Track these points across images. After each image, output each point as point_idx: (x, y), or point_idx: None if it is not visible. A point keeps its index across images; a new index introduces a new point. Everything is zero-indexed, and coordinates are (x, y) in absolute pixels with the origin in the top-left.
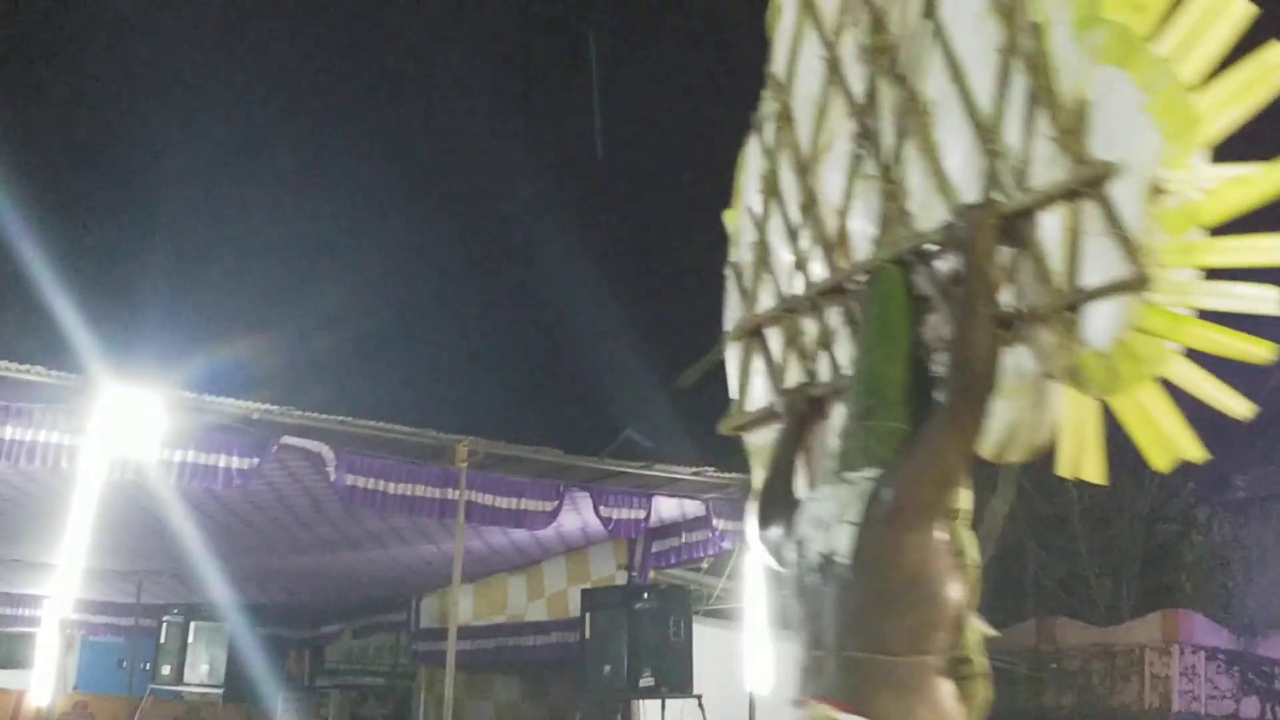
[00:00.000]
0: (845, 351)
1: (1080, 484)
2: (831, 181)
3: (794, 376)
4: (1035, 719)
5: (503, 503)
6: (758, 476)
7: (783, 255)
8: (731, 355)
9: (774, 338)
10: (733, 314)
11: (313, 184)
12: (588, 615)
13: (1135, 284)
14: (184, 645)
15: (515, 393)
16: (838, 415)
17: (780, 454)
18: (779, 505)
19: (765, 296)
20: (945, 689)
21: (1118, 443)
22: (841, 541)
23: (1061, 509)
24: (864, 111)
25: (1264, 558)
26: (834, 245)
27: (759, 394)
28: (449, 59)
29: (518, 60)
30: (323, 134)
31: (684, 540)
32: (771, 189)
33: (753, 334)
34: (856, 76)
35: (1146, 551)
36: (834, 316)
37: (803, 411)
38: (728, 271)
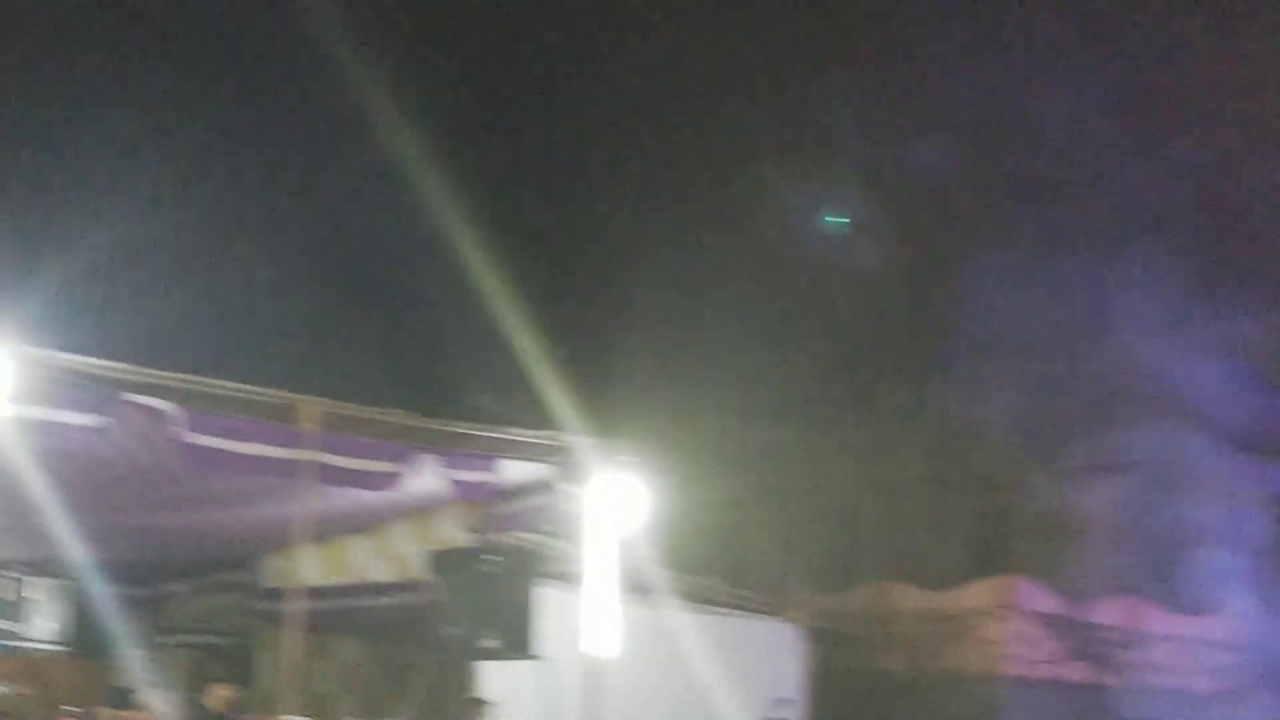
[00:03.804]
0: None
1: (921, 453)
2: None
3: None
4: (870, 682)
5: (350, 464)
6: None
7: None
8: None
9: None
10: None
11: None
12: (433, 577)
13: None
14: (25, 600)
15: (364, 353)
16: None
17: None
18: None
19: None
20: None
21: (953, 416)
22: None
23: (901, 477)
24: None
25: (1094, 525)
26: None
27: None
28: None
29: None
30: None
31: (531, 503)
32: None
33: None
34: None
35: (982, 518)
36: None
37: None
38: None
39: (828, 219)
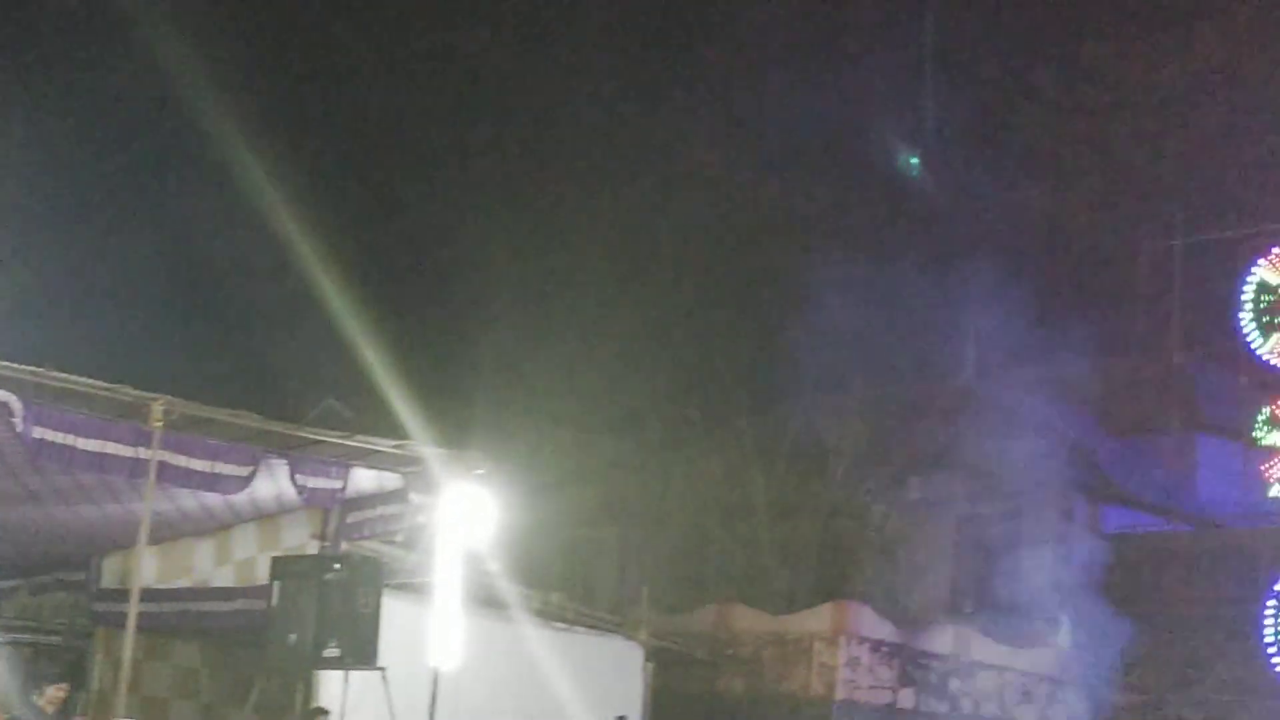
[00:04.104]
0: None
1: (767, 477)
2: None
3: None
4: (709, 704)
5: (196, 465)
6: None
7: None
8: None
9: None
10: None
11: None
12: (276, 583)
13: None
14: None
15: (215, 355)
16: None
17: None
18: None
19: None
20: None
21: (800, 442)
22: None
23: (747, 500)
24: None
25: (930, 557)
26: None
27: None
28: None
29: None
30: None
31: (380, 513)
32: None
33: None
34: None
35: (824, 545)
36: None
37: None
38: None
39: (683, 235)
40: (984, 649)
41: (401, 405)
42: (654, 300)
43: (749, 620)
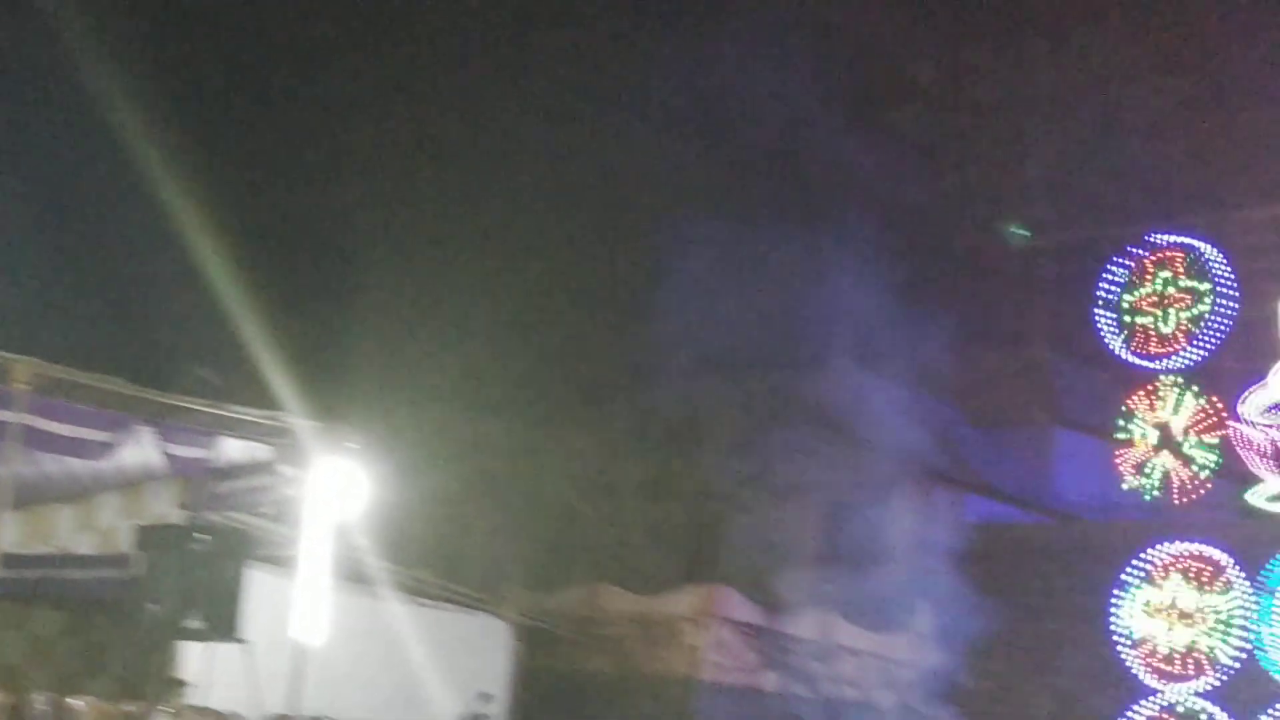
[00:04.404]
0: None
1: (639, 458)
2: None
3: None
4: (575, 682)
5: (61, 430)
6: None
7: None
8: None
9: None
10: None
11: None
12: (140, 553)
13: None
14: None
15: (84, 319)
16: None
17: None
18: None
19: None
20: None
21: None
22: None
23: (619, 481)
24: None
25: (796, 541)
26: None
27: None
28: None
29: None
30: None
31: (248, 484)
32: None
33: None
34: None
35: (693, 528)
36: None
37: None
38: None
39: (562, 214)
40: (846, 633)
41: (275, 377)
42: (532, 279)
43: (617, 600)
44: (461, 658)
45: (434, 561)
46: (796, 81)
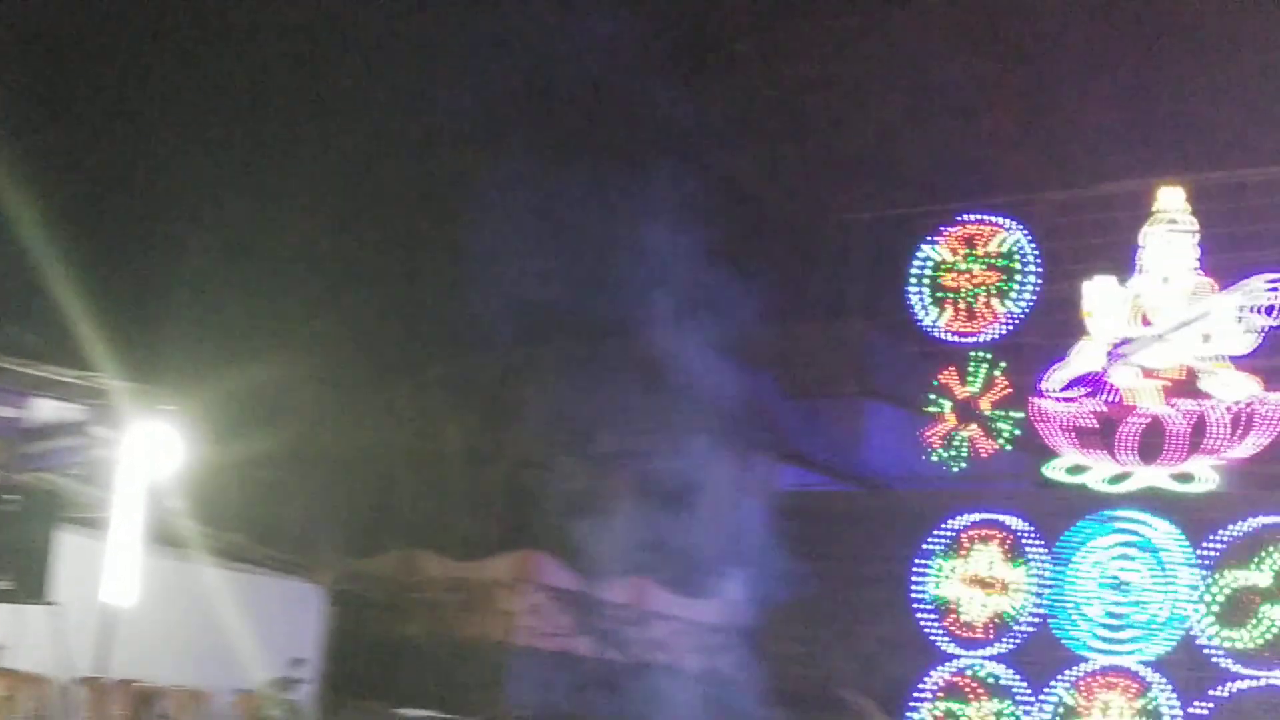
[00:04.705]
0: None
1: (459, 424)
2: None
3: None
4: (390, 648)
5: None
6: None
7: None
8: None
9: None
10: None
11: None
12: None
13: None
14: None
15: None
16: None
17: None
18: None
19: None
20: None
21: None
22: None
23: (439, 447)
24: None
25: (613, 508)
26: None
27: None
28: None
29: None
30: None
31: (60, 444)
32: None
33: None
34: None
35: (511, 494)
36: None
37: None
38: None
39: (385, 180)
40: (659, 599)
41: (88, 337)
42: (351, 241)
43: (434, 566)
44: (272, 622)
45: (248, 525)
46: (618, 47)
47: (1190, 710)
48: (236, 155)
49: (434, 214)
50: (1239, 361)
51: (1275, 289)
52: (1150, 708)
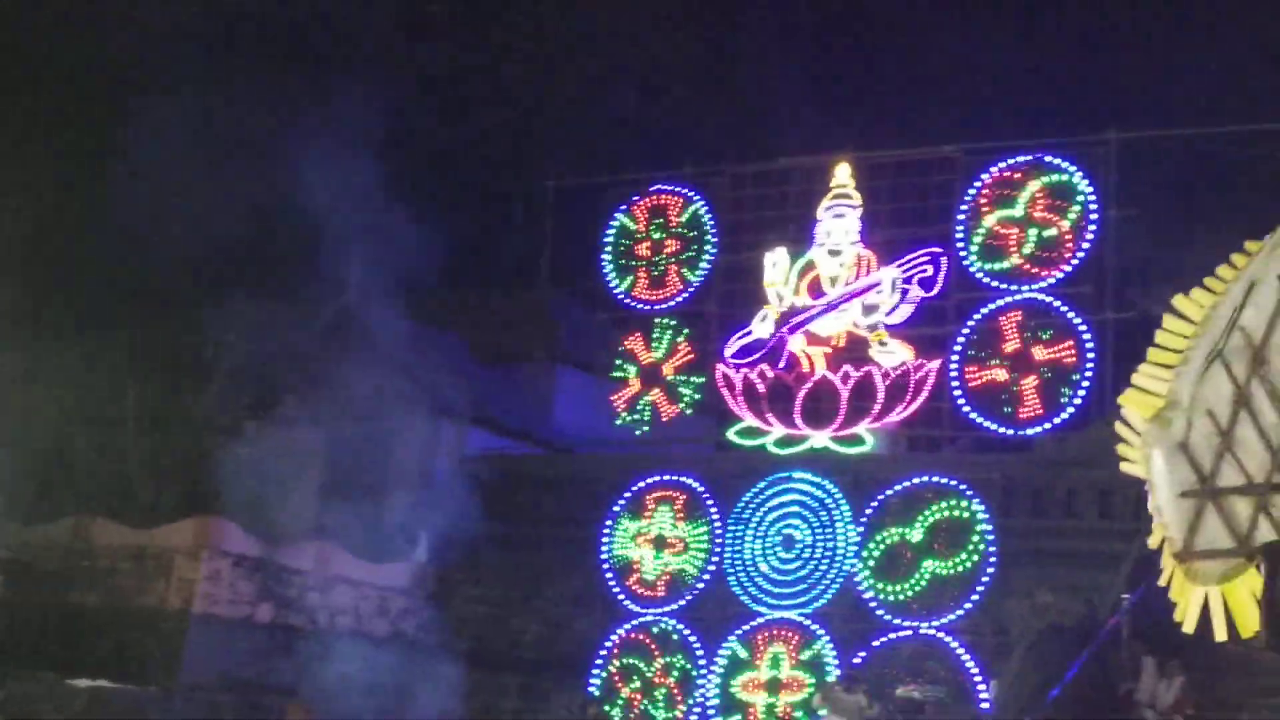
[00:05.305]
0: None
1: (140, 387)
2: None
3: (1266, 534)
4: (61, 616)
5: None
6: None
7: (1254, 448)
8: (1181, 506)
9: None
10: (1177, 474)
11: None
12: None
13: None
14: None
15: None
16: None
17: (1273, 591)
18: None
19: (1230, 471)
20: None
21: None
22: None
23: (117, 410)
24: None
25: (299, 474)
26: None
27: (1216, 536)
28: None
29: None
30: None
31: None
32: (1243, 403)
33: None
34: None
35: (194, 459)
36: None
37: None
38: (1160, 430)
39: (56, 136)
40: (345, 564)
41: None
42: (25, 198)
43: (109, 533)
44: None
45: None
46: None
47: (851, 659)
48: None
49: (111, 171)
50: (897, 330)
51: (932, 263)
52: (813, 658)
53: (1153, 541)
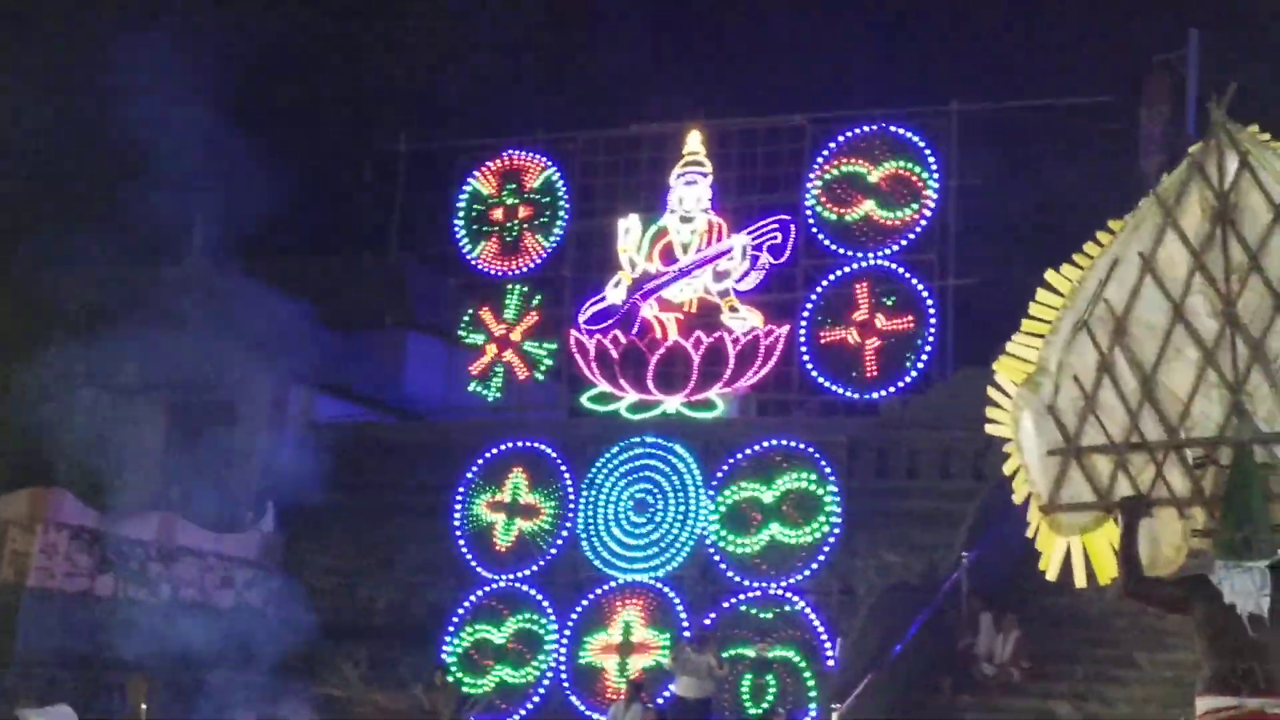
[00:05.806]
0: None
1: None
2: (1178, 376)
3: (1124, 489)
4: None
5: None
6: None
7: (1115, 411)
8: (1047, 464)
9: (1101, 460)
10: (1045, 434)
11: None
12: None
13: None
14: None
15: None
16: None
17: (1129, 542)
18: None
19: (1092, 432)
20: None
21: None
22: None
23: None
24: (1212, 352)
25: (140, 442)
26: (1176, 418)
27: (1079, 491)
28: None
29: None
30: None
31: None
32: (1106, 369)
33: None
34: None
35: (28, 428)
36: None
37: (1139, 515)
38: (1030, 393)
39: None
40: (188, 535)
41: None
42: None
43: None
44: None
45: None
46: None
47: (701, 620)
48: None
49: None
50: (747, 297)
51: (781, 230)
52: (665, 620)
53: (1017, 497)
